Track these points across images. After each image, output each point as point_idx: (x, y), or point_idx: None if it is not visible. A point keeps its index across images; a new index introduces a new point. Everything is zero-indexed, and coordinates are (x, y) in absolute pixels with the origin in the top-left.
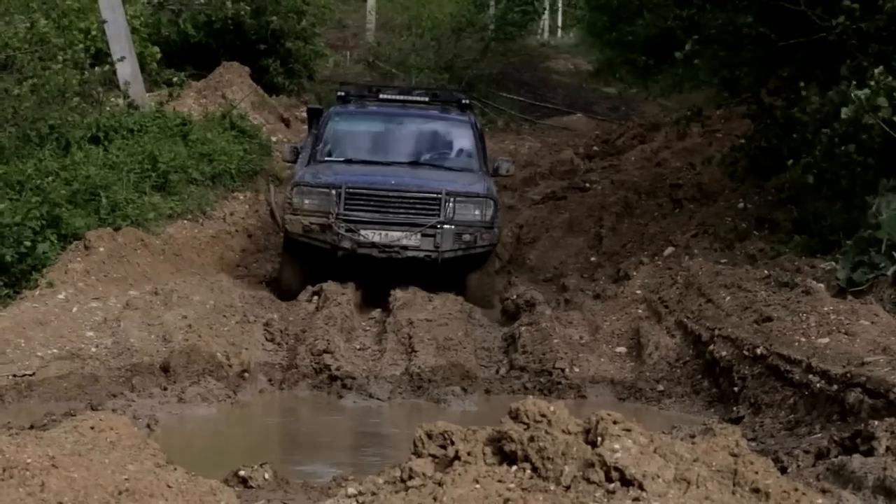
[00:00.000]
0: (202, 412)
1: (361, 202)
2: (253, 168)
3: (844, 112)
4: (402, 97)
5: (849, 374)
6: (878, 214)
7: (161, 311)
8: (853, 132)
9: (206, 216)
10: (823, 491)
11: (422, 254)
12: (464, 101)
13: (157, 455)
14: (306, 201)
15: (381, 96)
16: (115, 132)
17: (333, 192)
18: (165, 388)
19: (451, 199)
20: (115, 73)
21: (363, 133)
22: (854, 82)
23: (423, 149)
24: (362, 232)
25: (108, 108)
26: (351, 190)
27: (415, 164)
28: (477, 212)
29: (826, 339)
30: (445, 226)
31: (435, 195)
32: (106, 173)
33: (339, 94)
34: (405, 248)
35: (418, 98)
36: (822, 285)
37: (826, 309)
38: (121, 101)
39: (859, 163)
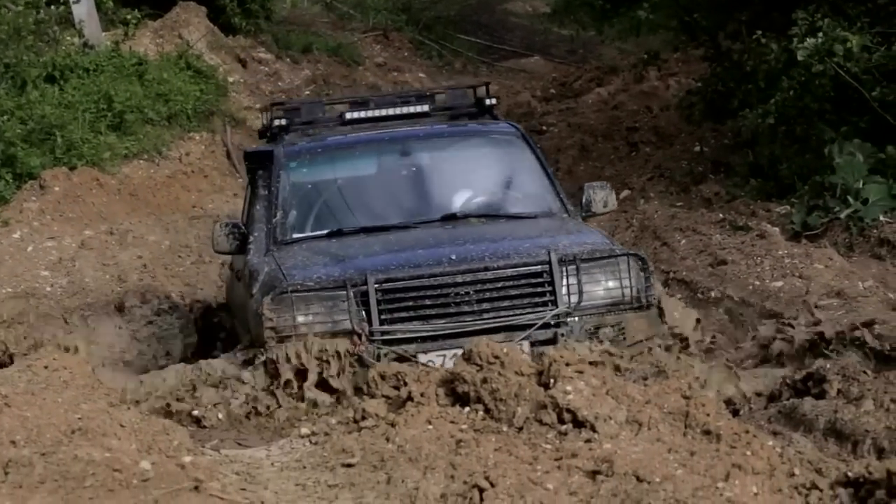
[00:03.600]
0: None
1: (408, 302)
2: (209, 109)
3: (801, 55)
4: (381, 112)
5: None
6: (832, 159)
7: (116, 251)
8: (808, 79)
9: (162, 156)
10: (774, 433)
11: None
12: (488, 102)
13: (111, 394)
14: (301, 318)
15: (346, 117)
16: (70, 71)
17: (352, 291)
18: (120, 328)
19: (570, 266)
20: (70, 12)
21: (345, 181)
22: (803, 32)
23: (457, 190)
24: (422, 357)
25: (63, 48)
26: (385, 283)
27: (451, 219)
28: (614, 282)
29: (780, 283)
30: (570, 318)
31: (539, 264)
32: (61, 112)
33: (275, 122)
34: None
35: (410, 109)
36: (776, 229)
37: (780, 253)
38: (76, 40)
39: (815, 110)
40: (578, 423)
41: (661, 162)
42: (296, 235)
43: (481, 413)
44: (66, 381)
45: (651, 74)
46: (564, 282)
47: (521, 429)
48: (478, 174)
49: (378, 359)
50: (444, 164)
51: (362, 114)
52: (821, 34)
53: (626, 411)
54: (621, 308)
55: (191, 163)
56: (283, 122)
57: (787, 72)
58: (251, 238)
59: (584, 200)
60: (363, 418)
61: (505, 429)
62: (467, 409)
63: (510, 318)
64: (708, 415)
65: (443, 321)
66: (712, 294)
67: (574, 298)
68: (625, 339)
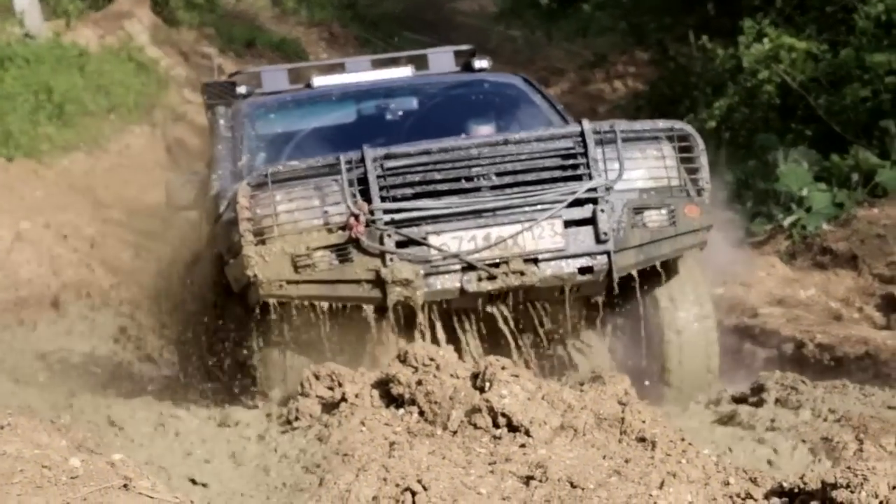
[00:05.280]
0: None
1: (415, 178)
2: (150, 102)
3: (746, 60)
4: (355, 79)
5: (743, 325)
6: (777, 166)
7: (53, 244)
8: (754, 85)
9: (102, 149)
10: (711, 441)
11: (571, 268)
12: (477, 65)
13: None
14: (283, 208)
15: (315, 84)
16: (10, 61)
17: (345, 169)
18: (55, 323)
19: (607, 142)
20: (11, 1)
21: (321, 128)
22: (750, 39)
23: (455, 130)
24: (433, 240)
25: (3, 37)
26: (386, 160)
27: None
28: (657, 161)
29: (721, 290)
30: (611, 194)
31: (569, 136)
32: (0, 103)
33: (238, 90)
34: (535, 259)
35: (390, 75)
36: (719, 235)
37: (723, 259)
38: (17, 29)
39: (760, 116)
40: (513, 428)
41: None
42: None
43: (415, 415)
44: None
45: (598, 76)
46: (601, 156)
47: (455, 432)
48: (479, 118)
49: (381, 241)
50: (438, 109)
51: (334, 80)
52: (767, 40)
53: (561, 416)
54: (668, 192)
55: (131, 156)
56: (244, 90)
57: (733, 78)
58: (213, 177)
59: None
60: (297, 419)
61: (439, 432)
62: (402, 411)
63: (537, 194)
64: (643, 421)
65: (457, 198)
66: None
67: (613, 175)
68: (675, 225)
